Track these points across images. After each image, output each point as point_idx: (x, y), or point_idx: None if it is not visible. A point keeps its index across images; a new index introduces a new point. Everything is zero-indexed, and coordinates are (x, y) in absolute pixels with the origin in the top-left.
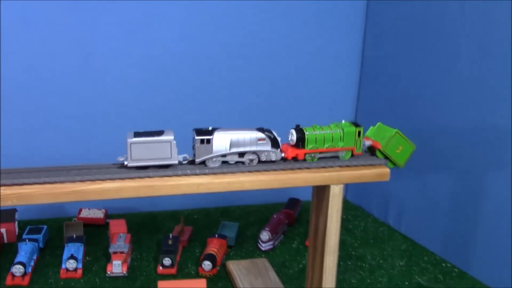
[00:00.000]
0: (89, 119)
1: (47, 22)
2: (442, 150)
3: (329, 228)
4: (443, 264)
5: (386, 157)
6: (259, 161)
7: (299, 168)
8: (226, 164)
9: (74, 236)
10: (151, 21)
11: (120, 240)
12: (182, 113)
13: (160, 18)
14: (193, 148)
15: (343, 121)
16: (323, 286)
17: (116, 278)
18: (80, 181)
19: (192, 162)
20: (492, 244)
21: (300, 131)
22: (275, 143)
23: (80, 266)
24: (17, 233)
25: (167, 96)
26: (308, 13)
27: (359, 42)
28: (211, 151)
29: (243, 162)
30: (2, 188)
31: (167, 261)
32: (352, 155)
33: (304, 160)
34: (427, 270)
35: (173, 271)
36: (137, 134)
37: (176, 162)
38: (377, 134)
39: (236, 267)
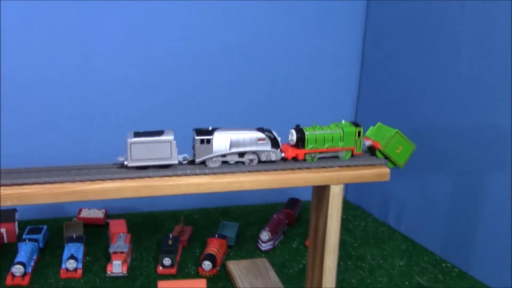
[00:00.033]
0: (89, 119)
1: (47, 22)
2: (442, 150)
3: (329, 228)
4: (443, 264)
5: (386, 157)
6: (259, 161)
7: (299, 168)
8: (226, 164)
9: (74, 236)
10: (151, 21)
11: (120, 240)
12: (182, 113)
13: (160, 18)
14: (193, 148)
15: (343, 121)
16: (323, 286)
17: (116, 278)
18: (80, 181)
19: (192, 162)
20: (492, 244)
21: (300, 131)
22: (275, 143)
23: (80, 266)
24: (17, 233)
25: (167, 96)
26: (308, 13)
27: (359, 42)
28: (211, 151)
29: (243, 162)
30: (2, 188)
31: (167, 261)
32: (352, 155)
33: (304, 160)
34: (427, 270)
35: (173, 271)
36: (137, 134)
37: (176, 162)
38: (377, 134)
39: (236, 267)
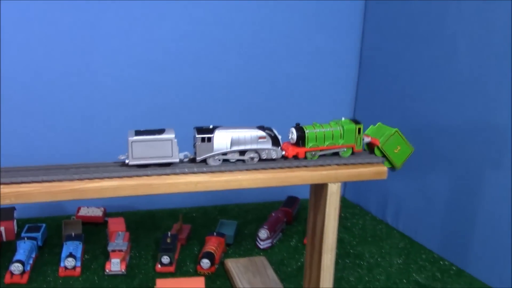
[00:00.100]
0: (89, 118)
1: (47, 22)
2: (440, 148)
3: (326, 226)
4: (441, 262)
5: (384, 156)
6: (260, 159)
7: (296, 167)
8: (226, 162)
9: (73, 234)
10: (151, 21)
11: (118, 238)
12: (182, 112)
13: (160, 17)
14: (194, 146)
15: (343, 119)
16: (321, 284)
17: (114, 276)
18: (78, 179)
19: (193, 160)
20: (490, 242)
21: (300, 130)
22: (275, 141)
23: (78, 264)
24: (16, 232)
25: (167, 96)
26: (307, 13)
27: (358, 42)
28: (212, 149)
29: (244, 160)
30: (0, 186)
31: (165, 259)
32: (353, 153)
33: (305, 158)
34: (425, 268)
35: (171, 269)
36: (138, 133)
37: (177, 160)
38: (376, 133)
39: (234, 265)
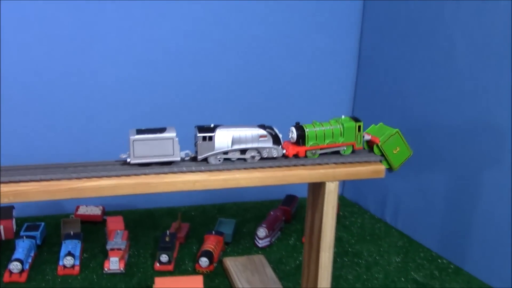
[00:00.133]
0: (89, 118)
1: (47, 22)
2: (439, 147)
3: (324, 225)
4: (439, 260)
5: (382, 155)
6: (261, 158)
7: (294, 165)
8: (227, 161)
9: (72, 233)
10: (152, 20)
11: (117, 237)
12: (182, 111)
13: (161, 17)
14: (195, 145)
15: (342, 116)
16: (319, 282)
17: (113, 274)
18: (76, 178)
19: (194, 159)
20: (488, 240)
21: (300, 129)
22: (276, 140)
23: (77, 262)
24: (14, 230)
25: (167, 95)
26: (306, 13)
27: (356, 41)
28: (213, 148)
29: (245, 159)
30: None
31: (164, 257)
32: (353, 151)
33: (306, 157)
34: (423, 266)
35: (170, 267)
36: (139, 132)
37: (179, 159)
38: (377, 132)
39: (233, 264)
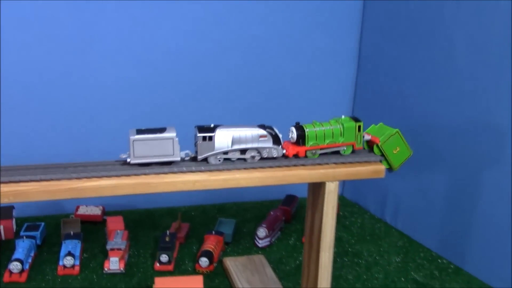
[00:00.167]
0: (89, 118)
1: (47, 22)
2: (438, 147)
3: (324, 225)
4: (439, 260)
5: (382, 155)
6: (261, 158)
7: (294, 165)
8: (227, 161)
9: (72, 233)
10: (152, 20)
11: (117, 237)
12: (182, 111)
13: (161, 17)
14: (195, 145)
15: (342, 116)
16: (319, 282)
17: (113, 274)
18: (76, 178)
19: (194, 159)
20: (488, 240)
21: (300, 129)
22: (276, 140)
23: (77, 262)
24: (14, 230)
25: (167, 95)
26: (306, 13)
27: (356, 41)
28: (213, 148)
29: (245, 159)
30: None
31: (164, 257)
32: (353, 151)
33: (306, 157)
34: (423, 266)
35: (170, 267)
36: (139, 132)
37: (179, 159)
38: (377, 132)
39: (233, 264)
